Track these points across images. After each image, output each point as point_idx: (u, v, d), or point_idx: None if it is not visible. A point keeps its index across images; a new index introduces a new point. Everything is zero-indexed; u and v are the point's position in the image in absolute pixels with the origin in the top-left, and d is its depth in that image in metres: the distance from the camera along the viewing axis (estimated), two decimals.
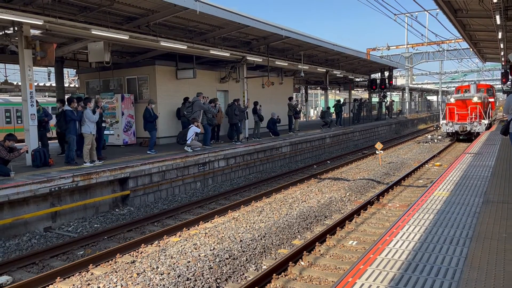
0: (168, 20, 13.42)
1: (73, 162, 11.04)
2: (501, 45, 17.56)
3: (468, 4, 12.22)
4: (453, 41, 35.30)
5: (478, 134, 21.91)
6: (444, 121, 24.04)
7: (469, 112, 23.00)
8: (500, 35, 14.19)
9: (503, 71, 25.63)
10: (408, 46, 42.15)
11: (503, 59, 22.77)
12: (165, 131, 16.61)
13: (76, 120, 11.05)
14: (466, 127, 23.05)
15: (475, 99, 23.09)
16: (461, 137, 23.75)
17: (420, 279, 3.30)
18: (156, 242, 8.12)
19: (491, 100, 27.49)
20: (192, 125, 14.26)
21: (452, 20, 13.79)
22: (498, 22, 11.73)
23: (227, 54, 16.89)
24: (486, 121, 22.85)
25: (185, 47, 14.80)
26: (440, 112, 26.33)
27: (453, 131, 23.67)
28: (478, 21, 14.36)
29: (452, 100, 24.04)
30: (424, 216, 5.03)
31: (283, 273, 6.41)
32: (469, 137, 23.15)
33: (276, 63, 20.55)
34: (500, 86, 36.46)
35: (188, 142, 14.01)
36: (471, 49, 26.92)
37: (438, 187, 6.69)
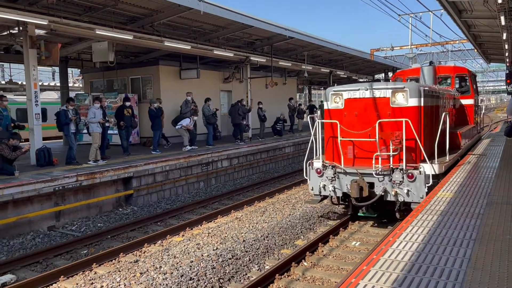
0: (172, 20, 13.44)
1: (74, 161, 11.07)
2: (506, 46, 17.46)
3: (473, 5, 12.17)
4: (457, 41, 35.15)
5: (408, 206, 7.75)
6: (319, 163, 8.49)
7: (376, 139, 7.69)
8: (504, 36, 14.12)
9: (507, 72, 25.25)
10: (412, 46, 42.00)
11: (507, 60, 22.61)
12: (168, 131, 16.63)
13: (68, 122, 11.05)
14: (367, 184, 7.86)
15: (400, 99, 7.87)
16: (360, 212, 8.83)
17: (423, 280, 3.29)
18: (159, 241, 8.14)
19: (467, 102, 12.74)
20: (191, 117, 14.50)
21: (457, 21, 13.73)
22: (503, 22, 11.68)
23: (231, 54, 16.90)
24: (430, 168, 7.55)
25: (189, 47, 14.82)
26: (317, 130, 8.61)
27: (339, 194, 8.38)
28: (482, 22, 14.30)
29: (338, 103, 8.45)
30: (428, 217, 5.01)
31: (286, 273, 6.40)
32: (384, 210, 8.69)
33: (280, 63, 20.55)
34: (504, 87, 35.70)
35: (177, 127, 14.39)
36: (475, 50, 26.71)
37: (441, 188, 6.67)
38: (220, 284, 6.12)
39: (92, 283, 6.22)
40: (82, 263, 6.94)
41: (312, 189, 8.55)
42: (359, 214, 8.91)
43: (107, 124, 12.40)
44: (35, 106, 10.90)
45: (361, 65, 29.36)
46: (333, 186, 8.23)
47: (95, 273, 6.70)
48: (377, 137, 7.59)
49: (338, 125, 8.11)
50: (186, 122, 14.36)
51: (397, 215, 7.96)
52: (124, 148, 13.30)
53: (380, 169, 7.68)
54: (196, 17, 13.29)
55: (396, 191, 7.62)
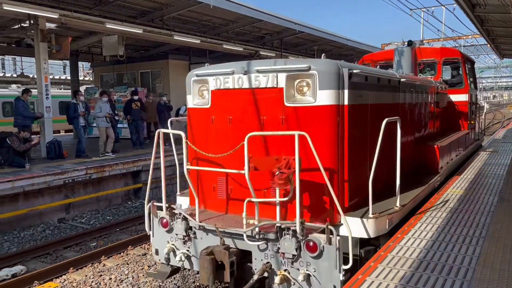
0: (181, 14, 13.43)
1: (83, 154, 11.16)
2: None
3: None
4: (470, 36, 34.62)
5: None
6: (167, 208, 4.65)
7: (245, 170, 3.90)
8: None
9: None
10: (424, 41, 41.53)
11: None
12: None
13: (76, 116, 11.12)
14: (230, 260, 3.94)
15: (304, 91, 4.23)
16: None
17: (431, 278, 3.26)
18: None
19: (459, 98, 9.30)
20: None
21: (470, 16, 13.50)
22: None
23: (240, 49, 16.86)
24: (355, 225, 4.10)
25: (198, 41, 14.83)
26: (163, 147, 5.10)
27: (197, 267, 4.41)
28: (496, 16, 14.05)
29: (204, 98, 4.85)
30: (437, 214, 4.96)
31: None
32: None
33: (290, 58, 20.47)
34: None
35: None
36: (488, 45, 26.31)
37: (452, 184, 6.60)
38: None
39: (100, 275, 6.28)
40: (91, 255, 7.01)
41: (157, 253, 4.78)
42: None
43: (116, 118, 12.48)
44: (45, 99, 10.99)
45: None
46: (186, 252, 4.51)
47: (104, 265, 6.76)
48: (246, 167, 3.88)
49: (184, 140, 4.55)
50: (182, 110, 14.32)
51: None
52: (133, 142, 13.35)
53: (257, 228, 3.94)
54: (206, 11, 13.26)
55: (285, 275, 3.89)
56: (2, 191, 8.18)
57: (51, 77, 14.81)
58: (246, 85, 4.41)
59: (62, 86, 32.25)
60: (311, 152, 3.74)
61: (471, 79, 10.13)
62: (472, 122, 10.11)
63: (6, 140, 9.66)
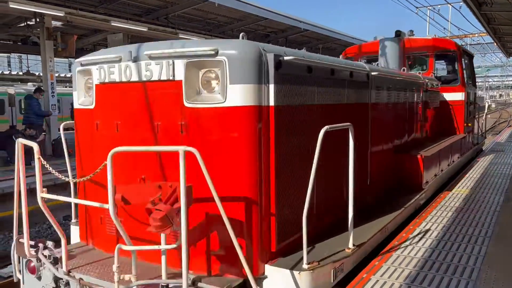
0: (186, 12, 13.46)
1: None
2: None
3: None
4: (476, 35, 34.41)
5: None
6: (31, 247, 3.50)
7: (110, 202, 2.74)
8: None
9: None
10: None
11: None
12: None
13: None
14: None
15: (213, 86, 3.04)
16: None
17: (436, 277, 3.25)
18: None
19: (453, 97, 8.16)
20: None
21: (476, 14, 13.42)
22: None
23: None
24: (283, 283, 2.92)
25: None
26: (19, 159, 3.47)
27: None
28: (503, 15, 13.97)
29: (91, 96, 3.60)
30: (442, 214, 4.94)
31: None
32: None
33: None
34: None
35: None
36: (495, 44, 26.13)
37: (457, 184, 6.57)
38: None
39: None
40: None
41: None
42: None
43: None
44: (51, 97, 11.05)
45: None
46: None
47: None
48: (110, 199, 2.75)
49: (36, 157, 3.36)
50: None
51: None
52: None
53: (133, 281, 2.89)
54: (211, 9, 13.27)
55: None
56: (8, 188, 8.23)
57: (56, 75, 14.89)
58: (135, 77, 3.21)
59: (67, 84, 32.40)
60: (218, 175, 2.73)
61: (469, 75, 8.97)
62: (470, 124, 8.93)
63: (12, 138, 9.72)
